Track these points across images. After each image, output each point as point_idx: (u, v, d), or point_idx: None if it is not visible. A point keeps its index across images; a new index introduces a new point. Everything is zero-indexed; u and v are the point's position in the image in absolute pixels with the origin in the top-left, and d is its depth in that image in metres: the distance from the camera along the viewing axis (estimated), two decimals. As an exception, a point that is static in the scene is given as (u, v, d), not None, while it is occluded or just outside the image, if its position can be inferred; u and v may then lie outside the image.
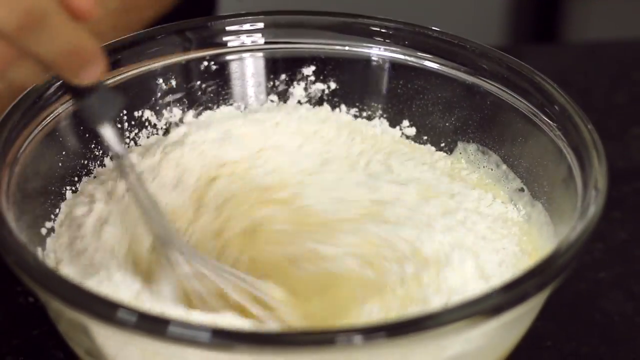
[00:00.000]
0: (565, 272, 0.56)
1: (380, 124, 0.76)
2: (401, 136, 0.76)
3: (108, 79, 0.56)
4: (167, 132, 0.75)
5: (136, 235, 0.65)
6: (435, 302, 0.62)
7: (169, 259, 0.60)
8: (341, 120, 0.76)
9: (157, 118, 0.75)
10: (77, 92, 0.57)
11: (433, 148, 0.76)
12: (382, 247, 0.67)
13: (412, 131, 0.76)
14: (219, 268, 0.62)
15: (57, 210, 0.67)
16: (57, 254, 0.64)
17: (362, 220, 0.69)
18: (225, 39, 0.75)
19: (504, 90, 0.71)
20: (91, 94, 0.57)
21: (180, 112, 0.76)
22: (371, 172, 0.73)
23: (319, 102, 0.77)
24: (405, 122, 0.76)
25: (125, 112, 0.73)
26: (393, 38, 0.75)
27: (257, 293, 0.61)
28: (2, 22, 0.51)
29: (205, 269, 0.61)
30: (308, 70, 0.77)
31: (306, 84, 0.78)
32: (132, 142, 0.74)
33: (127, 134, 0.73)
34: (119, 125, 0.73)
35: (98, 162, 0.72)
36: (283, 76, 0.77)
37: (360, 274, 0.65)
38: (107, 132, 0.58)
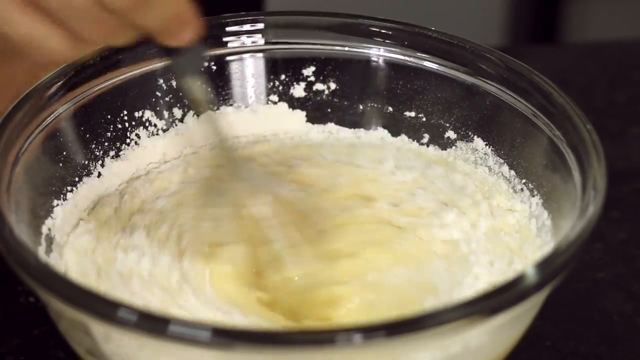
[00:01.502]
0: (564, 272, 0.56)
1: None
2: (400, 136, 0.76)
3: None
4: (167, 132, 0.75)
5: None
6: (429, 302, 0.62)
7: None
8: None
9: (157, 118, 0.75)
10: (170, 52, 0.60)
11: (432, 148, 0.76)
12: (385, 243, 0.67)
13: (412, 131, 0.76)
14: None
15: (58, 210, 0.67)
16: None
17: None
18: (225, 39, 0.75)
19: (503, 91, 0.71)
20: (183, 52, 0.60)
21: (181, 112, 0.76)
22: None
23: (319, 103, 0.78)
24: (405, 122, 0.76)
25: (125, 112, 0.73)
26: (393, 38, 0.75)
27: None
28: (118, 1, 0.54)
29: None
30: (308, 71, 0.77)
31: (306, 85, 0.78)
32: (132, 142, 0.74)
33: (127, 134, 0.74)
34: (119, 125, 0.73)
35: (99, 162, 0.72)
36: (283, 77, 0.77)
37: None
38: (195, 85, 0.62)
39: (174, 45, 0.58)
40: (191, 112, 0.76)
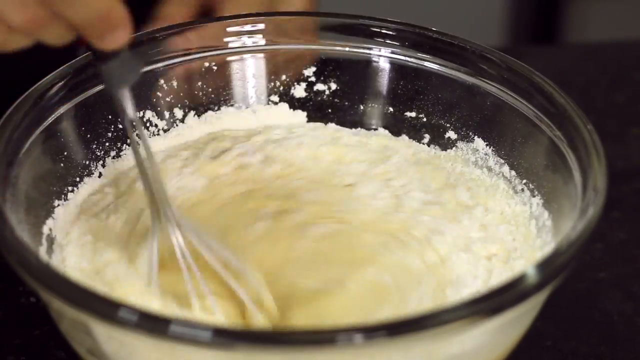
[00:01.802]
0: (565, 272, 0.56)
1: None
2: (401, 137, 0.77)
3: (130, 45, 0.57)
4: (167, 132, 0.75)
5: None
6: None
7: (159, 221, 0.61)
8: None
9: (158, 118, 0.75)
10: (100, 56, 0.58)
11: (433, 148, 0.76)
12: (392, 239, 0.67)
13: (412, 131, 0.76)
14: (205, 240, 0.62)
15: (59, 211, 0.68)
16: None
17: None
18: (226, 39, 0.76)
19: (504, 91, 0.71)
20: (113, 59, 0.58)
21: (182, 112, 0.76)
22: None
23: (319, 104, 0.78)
24: (406, 122, 0.76)
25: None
26: (393, 39, 0.75)
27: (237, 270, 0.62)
28: None
29: (193, 236, 0.61)
30: (309, 71, 0.77)
31: (307, 85, 0.78)
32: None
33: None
34: (120, 125, 0.73)
35: (100, 162, 0.72)
36: (284, 77, 0.77)
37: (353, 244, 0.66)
38: (124, 97, 0.60)
39: (103, 48, 0.57)
40: (192, 113, 0.76)
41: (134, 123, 0.61)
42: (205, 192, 0.70)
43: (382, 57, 0.76)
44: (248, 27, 0.76)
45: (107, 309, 0.52)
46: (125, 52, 0.58)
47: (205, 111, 0.77)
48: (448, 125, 0.75)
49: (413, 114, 0.76)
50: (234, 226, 0.67)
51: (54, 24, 0.55)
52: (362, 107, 0.77)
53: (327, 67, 0.77)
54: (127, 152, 0.73)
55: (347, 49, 0.76)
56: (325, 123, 0.78)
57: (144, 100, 0.74)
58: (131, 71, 0.59)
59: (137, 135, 0.61)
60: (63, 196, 0.68)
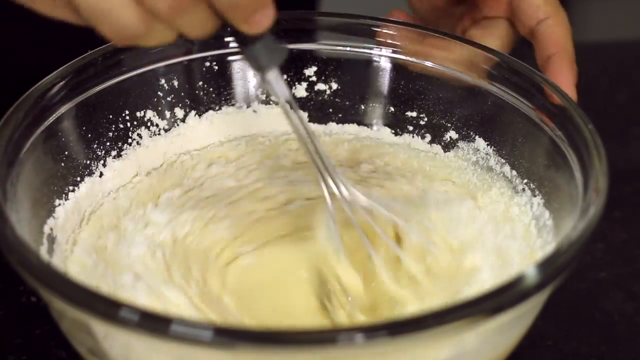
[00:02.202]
0: (565, 272, 0.56)
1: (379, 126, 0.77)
2: (402, 136, 0.77)
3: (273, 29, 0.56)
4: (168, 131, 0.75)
5: None
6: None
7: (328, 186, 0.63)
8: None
9: (159, 118, 0.75)
10: (244, 40, 0.57)
11: (434, 147, 0.76)
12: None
13: (412, 130, 0.76)
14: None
15: (59, 210, 0.68)
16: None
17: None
18: (227, 39, 0.76)
19: (504, 91, 0.71)
20: (258, 41, 0.57)
21: (183, 112, 0.76)
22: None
23: (320, 103, 0.78)
24: (407, 122, 0.76)
25: (127, 111, 0.73)
26: (394, 38, 0.75)
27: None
28: None
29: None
30: (310, 71, 0.77)
31: (308, 85, 0.78)
32: (134, 142, 0.74)
33: (129, 133, 0.74)
34: (121, 125, 0.73)
35: (101, 162, 0.72)
36: (285, 76, 0.77)
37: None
38: (273, 79, 0.59)
39: (247, 31, 0.55)
40: (193, 112, 0.76)
41: (290, 102, 0.61)
42: None
43: (383, 57, 0.76)
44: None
45: (108, 308, 0.52)
46: (269, 36, 0.57)
47: (206, 111, 0.77)
48: (449, 125, 0.75)
49: (414, 114, 0.76)
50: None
51: (197, 8, 0.54)
52: (362, 107, 0.77)
53: (328, 67, 0.77)
54: (128, 152, 0.73)
55: (348, 48, 0.76)
56: (326, 123, 0.78)
57: (145, 100, 0.74)
58: (277, 51, 0.58)
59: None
60: (64, 196, 0.69)
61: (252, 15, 0.54)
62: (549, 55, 0.70)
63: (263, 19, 0.55)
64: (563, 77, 0.69)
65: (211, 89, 0.77)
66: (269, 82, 0.59)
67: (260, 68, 0.58)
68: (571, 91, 0.69)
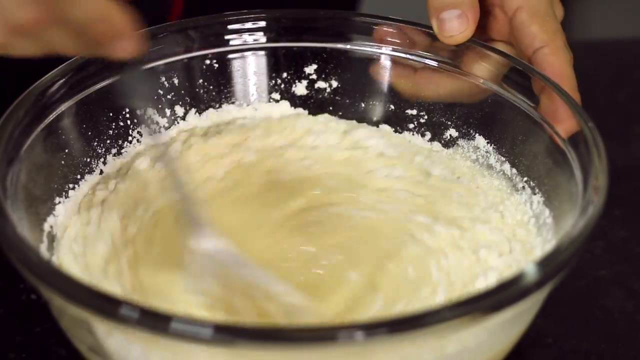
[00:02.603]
0: (565, 270, 0.56)
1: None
2: (402, 134, 0.77)
3: (142, 62, 0.56)
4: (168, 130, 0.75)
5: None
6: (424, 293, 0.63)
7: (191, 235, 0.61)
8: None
9: (159, 116, 0.75)
10: (115, 68, 0.58)
11: (434, 145, 0.76)
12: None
13: (413, 128, 0.77)
14: (239, 261, 0.62)
15: (59, 208, 0.68)
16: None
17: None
18: (227, 37, 0.76)
19: (504, 89, 0.71)
20: (126, 72, 0.57)
21: (183, 110, 0.76)
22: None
23: (321, 101, 0.78)
24: (407, 120, 0.76)
25: (127, 109, 0.73)
26: (394, 36, 0.75)
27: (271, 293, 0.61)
28: None
29: (224, 257, 0.61)
30: (310, 69, 0.77)
31: (308, 83, 0.78)
32: (134, 140, 0.74)
33: (129, 131, 0.74)
34: (121, 123, 0.73)
35: (101, 159, 0.72)
36: (285, 74, 0.77)
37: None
38: (139, 111, 0.59)
39: (112, 55, 0.56)
40: (193, 110, 0.77)
41: (155, 137, 0.62)
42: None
43: (383, 54, 0.76)
44: (249, 25, 0.76)
45: (108, 306, 0.52)
46: (137, 67, 0.57)
47: (207, 108, 0.77)
48: (449, 122, 0.75)
49: (414, 112, 0.76)
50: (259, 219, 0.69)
51: (57, 27, 0.55)
52: (363, 105, 0.77)
53: (328, 64, 0.77)
54: (128, 150, 0.73)
55: (348, 46, 0.76)
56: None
57: (145, 97, 0.74)
58: (145, 86, 0.59)
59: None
60: (64, 193, 0.69)
61: (111, 42, 0.55)
62: (543, 85, 0.68)
63: (123, 46, 0.55)
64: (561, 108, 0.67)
65: (211, 87, 0.77)
66: (134, 113, 0.59)
67: (125, 100, 0.59)
68: (571, 123, 0.65)
